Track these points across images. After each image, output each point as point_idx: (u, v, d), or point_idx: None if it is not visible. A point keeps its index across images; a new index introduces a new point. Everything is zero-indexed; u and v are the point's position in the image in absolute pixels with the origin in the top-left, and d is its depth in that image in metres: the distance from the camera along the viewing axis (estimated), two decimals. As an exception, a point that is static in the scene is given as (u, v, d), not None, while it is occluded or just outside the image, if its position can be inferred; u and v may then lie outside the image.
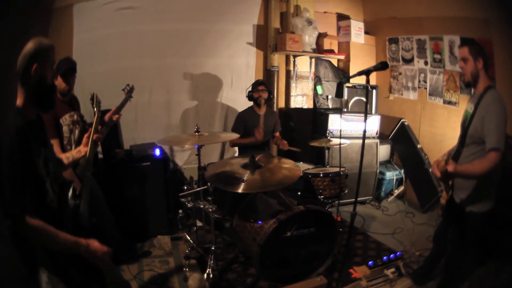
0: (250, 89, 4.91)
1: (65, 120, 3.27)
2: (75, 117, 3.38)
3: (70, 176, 2.91)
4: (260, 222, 3.40)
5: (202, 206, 3.74)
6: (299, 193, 3.98)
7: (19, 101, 1.87)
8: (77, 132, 3.32)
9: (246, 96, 4.92)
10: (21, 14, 3.57)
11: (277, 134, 5.11)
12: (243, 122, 4.81)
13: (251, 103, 4.92)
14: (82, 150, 2.45)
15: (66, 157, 2.37)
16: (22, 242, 1.73)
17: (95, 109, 2.50)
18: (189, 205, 3.83)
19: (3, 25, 3.24)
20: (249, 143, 4.76)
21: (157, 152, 4.36)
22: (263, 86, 4.83)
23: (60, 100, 3.28)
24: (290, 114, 5.97)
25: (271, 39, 5.80)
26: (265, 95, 4.82)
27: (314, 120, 5.85)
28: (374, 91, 6.20)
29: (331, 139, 4.45)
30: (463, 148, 2.84)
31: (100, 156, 4.55)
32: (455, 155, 2.87)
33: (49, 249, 1.87)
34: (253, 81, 5.74)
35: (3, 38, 3.24)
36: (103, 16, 4.76)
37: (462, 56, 2.83)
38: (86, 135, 2.38)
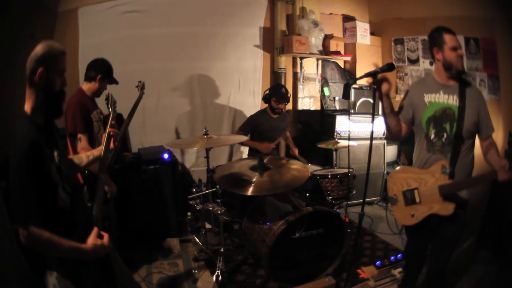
0: (268, 92, 4.79)
1: (94, 116, 3.34)
2: (100, 115, 3.45)
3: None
4: (268, 223, 3.41)
5: (211, 208, 3.77)
6: (307, 194, 3.99)
7: (27, 106, 1.84)
8: (102, 129, 3.37)
9: (262, 99, 4.89)
10: (25, 17, 3.63)
11: (288, 133, 5.13)
12: (254, 125, 4.79)
13: (258, 104, 4.90)
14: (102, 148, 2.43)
15: (86, 156, 2.36)
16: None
17: (110, 109, 2.49)
18: (198, 208, 3.85)
19: (7, 27, 3.28)
20: (256, 148, 4.73)
21: (166, 155, 4.38)
22: (287, 101, 4.76)
23: (87, 96, 3.36)
24: (297, 116, 5.98)
25: (277, 41, 5.83)
26: (284, 106, 4.80)
27: (322, 121, 5.86)
28: (380, 92, 6.19)
29: (339, 140, 4.46)
30: (462, 144, 2.64)
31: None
32: (454, 155, 2.64)
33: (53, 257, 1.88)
34: (260, 83, 5.77)
35: (7, 40, 3.29)
36: (108, 19, 4.80)
37: (456, 44, 2.64)
38: (104, 136, 2.38)
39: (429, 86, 2.74)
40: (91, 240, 1.86)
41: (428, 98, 2.71)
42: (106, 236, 1.93)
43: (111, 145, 2.35)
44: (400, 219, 2.81)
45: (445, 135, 2.66)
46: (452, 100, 2.65)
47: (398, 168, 2.91)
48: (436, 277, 2.89)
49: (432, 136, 2.70)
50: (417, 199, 2.68)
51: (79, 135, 3.12)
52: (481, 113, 2.63)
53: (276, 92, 4.70)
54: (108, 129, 2.33)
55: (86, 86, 3.39)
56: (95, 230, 1.90)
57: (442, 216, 2.59)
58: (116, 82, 3.52)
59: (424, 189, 2.66)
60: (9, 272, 2.18)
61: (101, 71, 3.37)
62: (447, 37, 2.62)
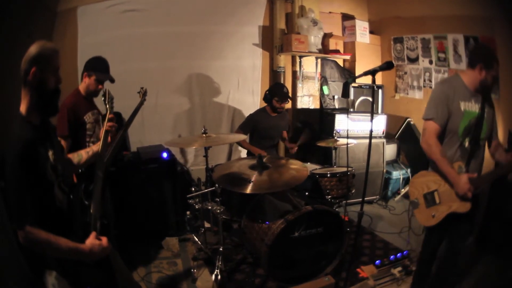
0: (269, 92, 4.77)
1: (88, 117, 3.33)
2: (98, 115, 3.44)
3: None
4: (268, 222, 3.41)
5: (210, 207, 3.76)
6: (306, 193, 3.98)
7: (22, 106, 1.85)
8: (98, 130, 3.36)
9: (263, 99, 4.86)
10: (24, 16, 3.62)
11: (285, 133, 5.12)
12: (253, 124, 4.79)
13: (257, 103, 4.88)
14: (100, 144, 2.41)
15: (86, 152, 2.36)
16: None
17: (107, 105, 2.48)
18: (197, 207, 3.85)
19: (7, 27, 3.28)
20: (252, 151, 4.72)
21: (165, 154, 4.37)
22: (288, 100, 4.77)
23: (82, 97, 3.35)
24: (297, 115, 5.98)
25: (276, 40, 5.82)
26: (285, 105, 4.80)
27: (321, 120, 5.86)
28: (380, 90, 6.19)
29: (338, 139, 4.45)
30: (482, 148, 2.82)
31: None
32: (470, 157, 2.76)
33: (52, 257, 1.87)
34: (259, 82, 5.76)
35: (7, 40, 3.29)
36: (107, 18, 4.78)
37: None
38: (101, 131, 2.38)
39: (462, 93, 2.77)
40: (90, 240, 1.85)
41: (463, 106, 2.75)
42: (104, 238, 1.92)
43: (109, 139, 2.35)
44: (422, 221, 2.92)
45: (475, 142, 2.76)
46: (479, 109, 2.75)
47: (418, 173, 3.00)
48: (445, 274, 2.93)
49: (466, 145, 2.78)
50: (437, 200, 2.80)
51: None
52: (494, 118, 2.85)
53: (278, 92, 4.69)
54: (105, 124, 2.33)
55: (81, 86, 3.40)
56: (93, 233, 1.90)
57: (459, 213, 2.69)
58: (109, 79, 3.44)
59: (444, 189, 2.77)
60: (8, 272, 2.18)
61: (90, 67, 3.35)
62: (496, 66, 2.73)
